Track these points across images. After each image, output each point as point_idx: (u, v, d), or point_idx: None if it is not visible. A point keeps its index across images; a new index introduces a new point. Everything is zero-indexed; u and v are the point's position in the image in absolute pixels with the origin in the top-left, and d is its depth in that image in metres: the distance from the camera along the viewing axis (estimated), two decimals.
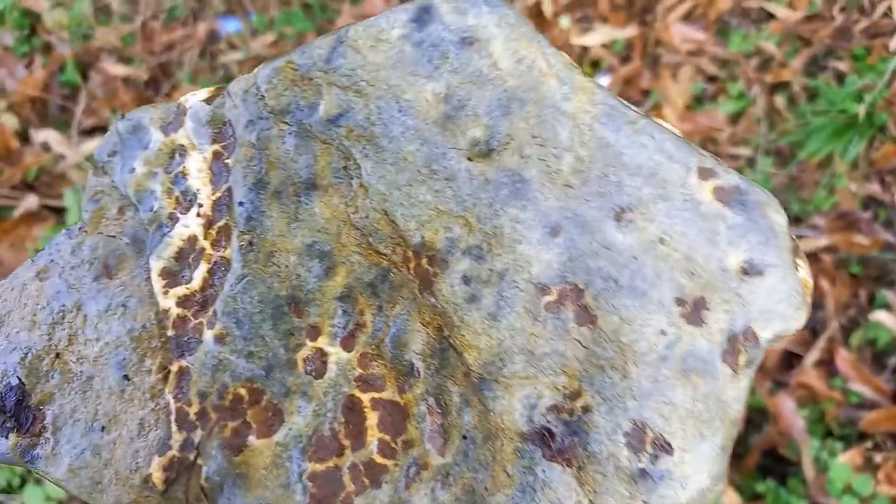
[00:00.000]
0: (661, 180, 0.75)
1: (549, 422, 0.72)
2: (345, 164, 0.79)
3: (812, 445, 1.87)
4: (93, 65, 2.83)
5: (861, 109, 2.17)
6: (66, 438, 0.78)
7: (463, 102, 0.78)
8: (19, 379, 0.81)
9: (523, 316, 0.74)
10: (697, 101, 2.44)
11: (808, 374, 1.99)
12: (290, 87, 0.82)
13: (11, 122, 2.68)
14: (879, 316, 2.00)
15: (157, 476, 0.76)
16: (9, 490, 1.95)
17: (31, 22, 2.88)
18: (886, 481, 1.82)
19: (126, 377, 0.79)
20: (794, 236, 0.77)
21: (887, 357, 1.99)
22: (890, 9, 2.40)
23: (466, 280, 0.75)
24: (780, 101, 2.38)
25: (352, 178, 0.79)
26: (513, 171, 0.76)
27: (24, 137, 2.69)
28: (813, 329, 2.12)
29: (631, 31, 2.56)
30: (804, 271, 0.76)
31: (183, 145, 0.84)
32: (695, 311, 0.72)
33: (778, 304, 0.72)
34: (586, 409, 0.72)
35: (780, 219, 0.75)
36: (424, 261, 0.76)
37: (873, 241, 2.11)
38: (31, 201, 2.50)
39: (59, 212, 2.54)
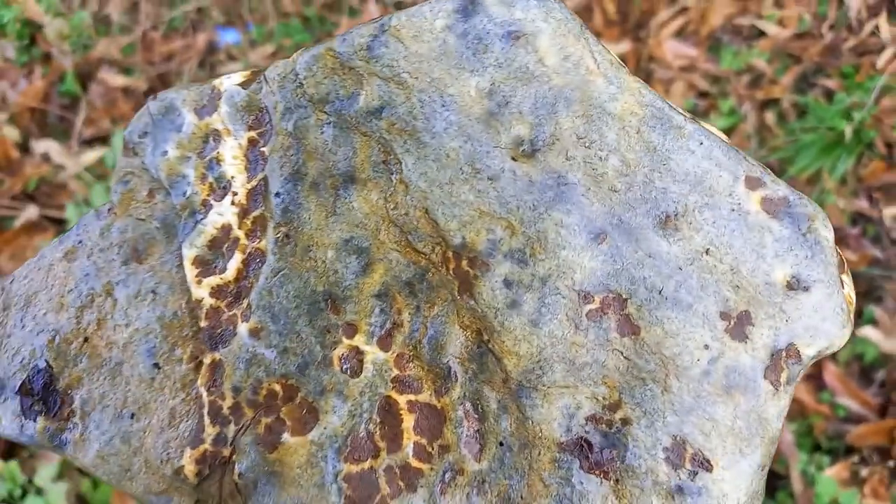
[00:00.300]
0: (708, 188, 0.71)
1: (587, 432, 0.69)
2: (385, 159, 0.75)
3: (800, 459, 1.84)
4: (92, 75, 2.75)
5: (848, 129, 2.12)
6: (94, 424, 0.76)
7: (507, 99, 0.74)
8: (47, 362, 0.78)
9: (565, 324, 0.70)
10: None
11: (797, 387, 1.97)
12: (330, 75, 0.77)
13: (12, 133, 2.61)
14: (867, 331, 1.97)
15: (190, 469, 0.73)
16: (10, 500, 1.92)
17: (31, 32, 2.77)
18: (872, 495, 1.80)
19: (156, 365, 0.77)
20: (840, 251, 0.73)
21: (874, 371, 1.96)
22: (877, 27, 2.38)
23: (508, 284, 0.71)
24: (770, 117, 2.33)
25: (392, 174, 0.75)
26: (558, 172, 0.72)
27: (24, 148, 2.62)
28: None
29: (625, 46, 2.52)
30: (848, 287, 0.72)
31: (217, 130, 0.80)
32: (739, 326, 0.69)
33: (823, 322, 0.69)
34: (626, 422, 0.68)
35: (827, 233, 0.71)
36: (465, 262, 0.72)
37: (861, 256, 2.08)
38: (31, 212, 2.44)
39: (60, 222, 2.47)
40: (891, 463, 1.84)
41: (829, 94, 2.31)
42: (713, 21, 2.48)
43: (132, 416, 0.76)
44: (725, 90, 2.37)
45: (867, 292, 2.04)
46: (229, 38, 2.77)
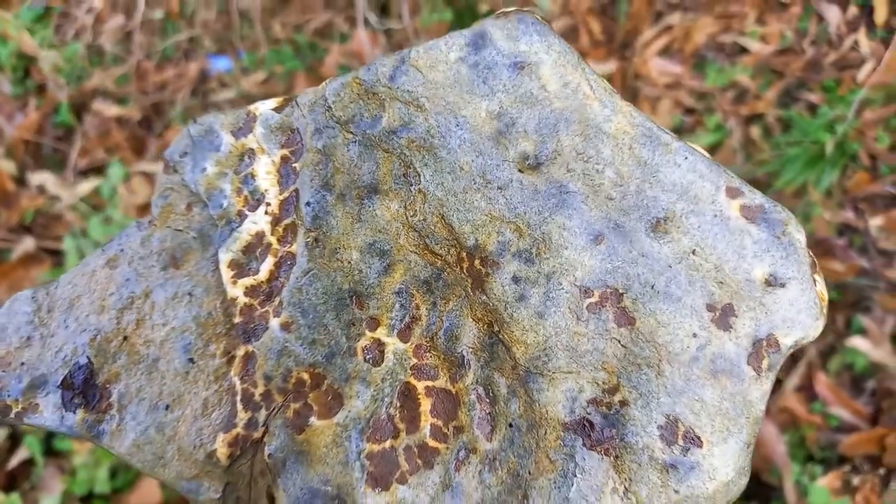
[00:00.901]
0: (694, 197, 0.80)
1: (589, 413, 0.75)
2: (405, 172, 0.84)
3: (793, 470, 1.87)
4: (86, 106, 2.76)
5: (830, 144, 2.18)
6: (130, 415, 0.82)
7: (514, 120, 0.83)
8: (88, 358, 0.84)
9: (568, 315, 0.78)
10: (676, 133, 2.40)
11: (789, 398, 1.98)
12: (356, 100, 0.86)
13: (8, 165, 2.61)
14: (856, 341, 2.01)
15: (222, 452, 0.79)
16: None
17: (25, 65, 2.79)
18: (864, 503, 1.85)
19: (191, 360, 0.83)
20: (811, 254, 0.81)
21: (865, 381, 2.00)
22: (857, 42, 2.44)
23: (516, 280, 0.79)
24: (755, 132, 2.36)
25: (411, 185, 0.83)
26: (560, 182, 0.81)
27: (19, 180, 2.62)
28: (792, 355, 2.07)
29: (611, 65, 2.57)
30: (821, 286, 0.80)
31: (252, 149, 0.89)
32: (723, 317, 0.77)
33: (798, 314, 0.77)
34: (623, 403, 0.75)
35: (800, 236, 0.80)
36: (477, 262, 0.80)
37: (849, 267, 2.12)
38: (28, 244, 2.44)
39: (57, 254, 2.47)
40: (882, 471, 1.87)
41: (812, 108, 2.34)
42: (697, 39, 2.53)
43: (167, 407, 0.82)
44: (711, 106, 2.42)
45: (855, 303, 2.09)
46: (221, 65, 2.78)
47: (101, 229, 2.32)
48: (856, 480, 1.89)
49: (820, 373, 2.01)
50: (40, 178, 2.57)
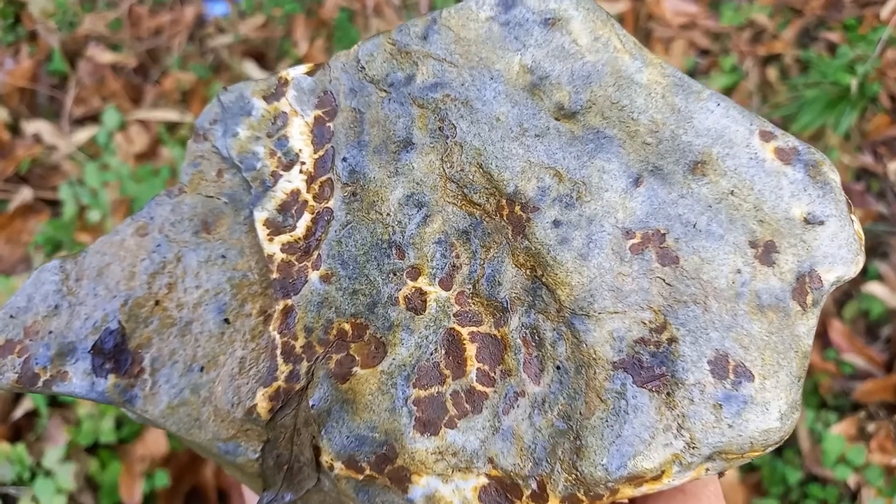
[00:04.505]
0: (728, 140, 0.82)
1: (638, 353, 0.77)
2: (440, 125, 0.86)
3: (807, 417, 1.89)
4: (80, 52, 2.73)
5: (853, 83, 2.15)
6: (164, 379, 0.83)
7: (547, 73, 0.86)
8: (119, 323, 0.85)
9: (611, 256, 0.79)
10: (690, 76, 2.37)
11: None
12: (389, 59, 0.89)
13: (2, 114, 2.61)
14: (872, 287, 2.03)
15: (263, 406, 0.80)
16: (20, 483, 1.95)
17: (15, 10, 2.77)
18: (879, 450, 1.85)
19: (226, 320, 0.84)
20: (846, 195, 0.82)
21: (880, 327, 2.02)
22: None
23: (557, 224, 0.80)
24: (772, 73, 2.35)
25: (447, 137, 0.85)
26: (597, 129, 0.83)
27: (14, 129, 2.61)
28: None
29: (623, 5, 2.54)
30: (857, 225, 0.81)
31: (285, 112, 0.91)
32: (766, 253, 0.78)
33: (839, 250, 0.79)
34: (672, 341, 0.77)
35: (834, 176, 0.81)
36: (518, 208, 0.82)
37: (866, 212, 2.12)
38: (25, 194, 2.45)
39: (54, 204, 2.47)
40: None
41: (832, 48, 2.29)
42: None
43: (201, 368, 0.83)
44: (727, 47, 2.40)
45: (872, 248, 2.08)
46: (218, 10, 2.74)
47: (97, 177, 2.30)
48: (871, 427, 1.92)
49: (835, 320, 2.01)
50: (36, 126, 2.54)
